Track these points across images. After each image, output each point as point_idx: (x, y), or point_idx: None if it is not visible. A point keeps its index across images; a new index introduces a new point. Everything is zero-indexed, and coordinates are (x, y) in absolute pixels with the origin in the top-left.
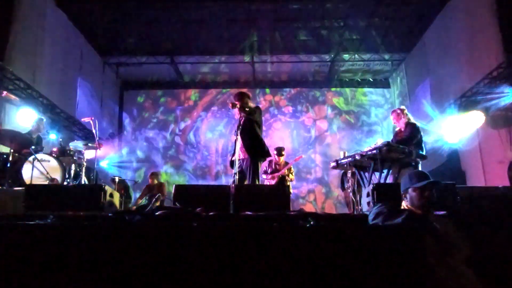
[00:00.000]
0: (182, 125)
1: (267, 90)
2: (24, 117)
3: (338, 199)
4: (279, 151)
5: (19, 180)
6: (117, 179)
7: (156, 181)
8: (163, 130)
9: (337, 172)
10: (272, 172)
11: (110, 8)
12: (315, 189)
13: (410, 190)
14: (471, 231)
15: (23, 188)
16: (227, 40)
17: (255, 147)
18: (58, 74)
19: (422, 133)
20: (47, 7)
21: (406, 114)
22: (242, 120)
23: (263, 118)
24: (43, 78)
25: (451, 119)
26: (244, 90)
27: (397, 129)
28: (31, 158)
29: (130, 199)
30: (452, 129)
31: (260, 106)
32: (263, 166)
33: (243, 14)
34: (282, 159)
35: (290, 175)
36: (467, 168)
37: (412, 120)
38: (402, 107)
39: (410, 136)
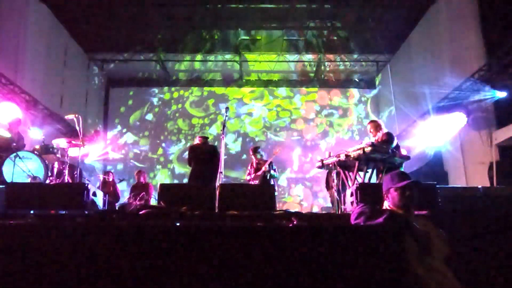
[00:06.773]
0: (169, 123)
1: (254, 89)
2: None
3: (324, 199)
4: (254, 150)
5: (0, 178)
6: (101, 177)
7: (142, 180)
8: (149, 128)
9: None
10: (254, 172)
11: (95, 3)
12: (302, 189)
13: (391, 190)
14: (451, 231)
15: (4, 186)
16: (214, 38)
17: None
18: (41, 70)
19: (398, 141)
20: (29, 1)
21: (383, 128)
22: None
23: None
24: (26, 73)
25: (434, 120)
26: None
27: (373, 139)
28: (12, 156)
29: (116, 198)
30: (434, 130)
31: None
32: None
33: (231, 13)
34: (259, 157)
35: (272, 171)
36: (449, 169)
37: (386, 130)
38: (380, 120)
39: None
